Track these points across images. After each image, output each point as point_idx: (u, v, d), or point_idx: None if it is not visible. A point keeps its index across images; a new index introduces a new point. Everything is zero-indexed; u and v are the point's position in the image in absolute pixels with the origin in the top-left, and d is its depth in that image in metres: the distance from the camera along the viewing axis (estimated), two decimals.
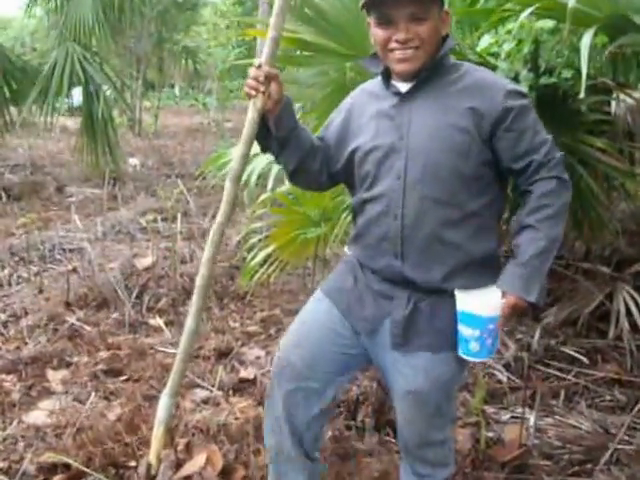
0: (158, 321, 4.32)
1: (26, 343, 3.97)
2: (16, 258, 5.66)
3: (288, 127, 2.03)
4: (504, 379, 3.58)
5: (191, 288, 4.68)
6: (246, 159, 2.05)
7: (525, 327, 4.11)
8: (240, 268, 4.92)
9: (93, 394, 3.34)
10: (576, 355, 3.81)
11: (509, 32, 3.18)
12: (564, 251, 4.71)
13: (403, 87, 1.98)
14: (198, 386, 3.49)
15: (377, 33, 1.94)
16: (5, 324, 4.28)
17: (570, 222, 3.82)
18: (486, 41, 3.31)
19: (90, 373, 3.55)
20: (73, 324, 4.17)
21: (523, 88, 2.13)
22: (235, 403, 3.29)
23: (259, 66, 1.93)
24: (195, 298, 2.09)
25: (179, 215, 6.00)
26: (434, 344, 1.98)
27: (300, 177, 2.19)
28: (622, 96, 3.53)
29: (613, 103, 3.53)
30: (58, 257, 5.69)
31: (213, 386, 3.45)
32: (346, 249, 2.25)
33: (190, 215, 6.90)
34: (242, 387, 3.51)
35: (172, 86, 25.09)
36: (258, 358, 3.84)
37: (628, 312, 3.77)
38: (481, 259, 1.98)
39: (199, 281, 2.08)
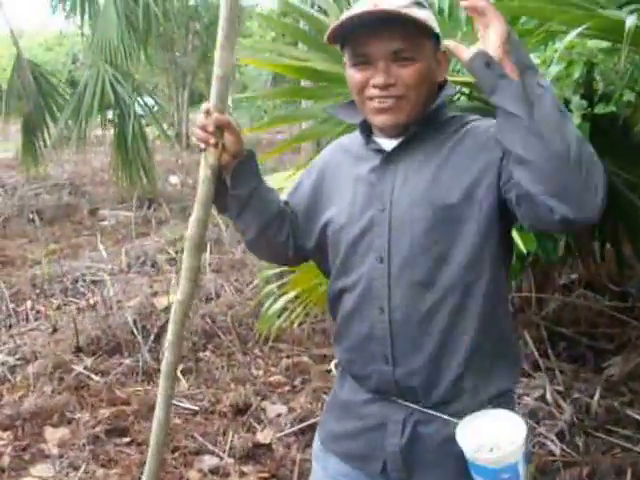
0: None
1: (31, 392, 3.69)
2: (37, 290, 5.41)
3: (248, 186, 1.64)
4: (557, 451, 3.08)
5: (213, 331, 4.40)
6: (205, 224, 1.67)
7: (583, 382, 3.66)
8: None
9: (90, 460, 3.03)
10: None
11: (556, 51, 2.79)
12: (629, 289, 4.32)
13: (387, 144, 1.57)
14: (207, 452, 3.15)
15: (351, 75, 1.53)
16: (13, 369, 4.03)
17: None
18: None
19: (91, 434, 3.23)
20: (80, 373, 3.87)
21: None
22: (247, 474, 2.96)
23: (207, 112, 1.56)
24: (161, 383, 1.75)
25: (209, 245, 5.72)
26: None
27: (261, 248, 1.80)
28: None
29: None
30: (81, 290, 5.42)
31: (224, 452, 3.12)
32: (333, 362, 1.82)
33: (223, 243, 6.56)
34: (256, 453, 3.17)
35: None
36: (279, 416, 3.49)
37: None
38: (493, 348, 1.55)
39: (164, 367, 1.75)
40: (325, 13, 3.15)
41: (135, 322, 4.39)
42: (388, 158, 1.56)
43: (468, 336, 1.52)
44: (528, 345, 3.87)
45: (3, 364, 4.06)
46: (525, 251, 2.48)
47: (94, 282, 5.53)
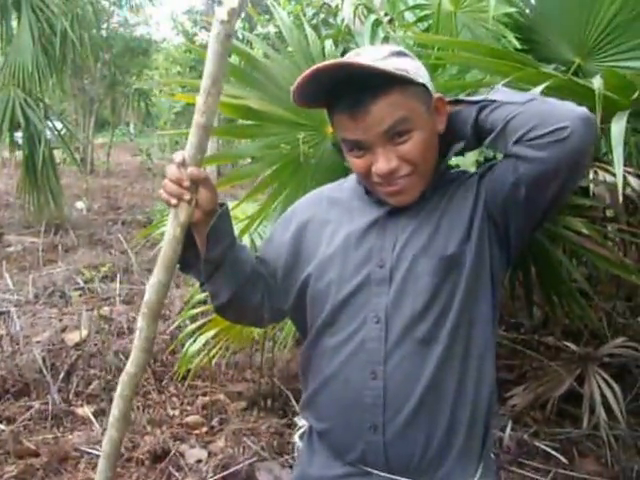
0: (86, 410, 3.59)
1: None
2: None
3: (223, 246, 1.37)
4: None
5: None
6: (166, 289, 1.36)
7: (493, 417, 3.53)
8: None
9: None
10: (551, 452, 3.23)
11: None
12: (524, 321, 4.27)
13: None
14: None
15: (352, 161, 1.33)
16: None
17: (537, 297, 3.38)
18: None
19: None
20: None
21: None
22: None
23: (182, 163, 1.28)
24: (101, 464, 1.45)
25: (118, 275, 5.31)
26: None
27: (234, 311, 1.52)
28: (602, 174, 3.03)
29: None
30: None
31: None
32: (298, 433, 1.57)
33: (132, 272, 6.13)
34: None
35: (127, 124, 24.36)
36: (199, 462, 3.16)
37: (602, 395, 3.22)
38: (486, 407, 1.38)
39: (105, 445, 1.44)
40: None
41: (44, 360, 3.96)
42: (392, 212, 1.35)
43: (468, 394, 1.34)
44: None
45: None
46: None
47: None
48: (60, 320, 4.78)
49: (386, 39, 2.87)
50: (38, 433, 3.34)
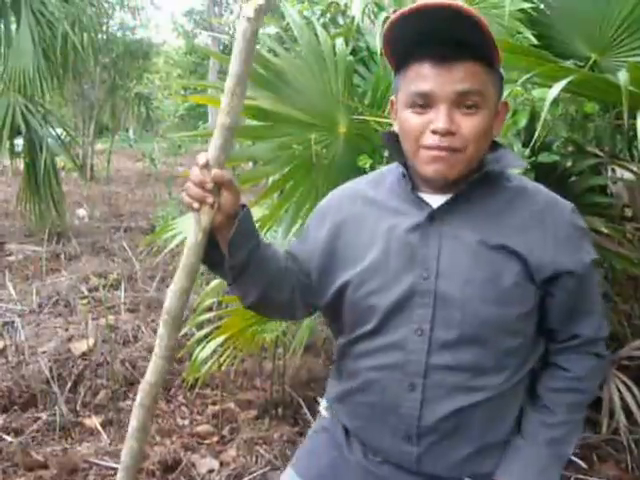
0: (94, 421, 3.58)
1: None
2: None
3: (247, 249, 1.35)
4: None
5: (134, 377, 4.01)
6: (188, 295, 1.36)
7: None
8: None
9: None
10: (571, 457, 3.19)
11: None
12: None
13: (433, 200, 1.34)
14: None
15: (407, 119, 1.29)
16: None
17: None
18: None
19: None
20: None
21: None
22: None
23: (205, 165, 1.26)
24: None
25: (123, 282, 5.30)
26: None
27: (264, 308, 1.52)
28: (620, 172, 3.03)
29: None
30: None
31: None
32: (322, 407, 1.59)
33: (136, 280, 6.12)
34: None
35: (127, 129, 24.41)
36: (211, 472, 3.15)
37: (621, 399, 3.17)
38: (511, 430, 1.40)
39: (125, 457, 1.45)
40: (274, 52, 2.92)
41: (51, 370, 3.95)
42: (434, 216, 1.32)
43: (514, 412, 1.40)
44: None
45: None
46: None
47: (2, 324, 5.01)
48: (66, 330, 4.76)
49: None
50: (46, 445, 3.32)
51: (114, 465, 3.15)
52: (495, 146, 1.40)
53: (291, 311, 1.52)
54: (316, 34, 2.90)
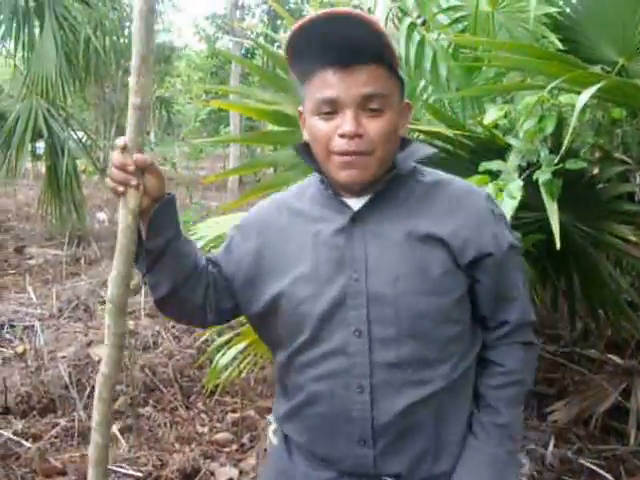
0: (113, 427, 3.60)
1: None
2: None
3: (166, 237, 1.37)
4: None
5: (154, 384, 4.02)
6: (129, 281, 1.37)
7: (533, 430, 3.48)
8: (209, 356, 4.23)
9: None
10: (597, 470, 3.15)
11: (527, 107, 2.62)
12: (563, 333, 4.22)
13: (353, 203, 1.38)
14: None
15: (315, 126, 1.33)
16: None
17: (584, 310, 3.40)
18: (493, 114, 2.74)
19: None
20: (8, 439, 3.39)
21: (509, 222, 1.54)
22: None
23: (124, 147, 1.30)
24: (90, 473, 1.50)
25: (142, 287, 5.32)
26: None
27: (173, 306, 1.51)
28: None
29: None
30: (7, 336, 4.94)
31: None
32: (271, 430, 1.57)
33: None
34: None
35: (148, 133, 24.56)
36: None
37: None
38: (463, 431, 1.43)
39: (92, 452, 1.48)
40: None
41: (70, 375, 3.98)
42: (356, 217, 1.35)
43: (466, 407, 1.43)
44: None
45: None
46: None
47: (24, 327, 5.06)
48: (85, 334, 4.81)
49: (422, 42, 2.86)
50: (65, 451, 3.35)
51: (133, 472, 3.17)
52: (406, 144, 1.44)
53: (202, 315, 1.51)
54: None
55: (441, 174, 1.46)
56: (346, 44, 1.23)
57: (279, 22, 16.38)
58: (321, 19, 1.24)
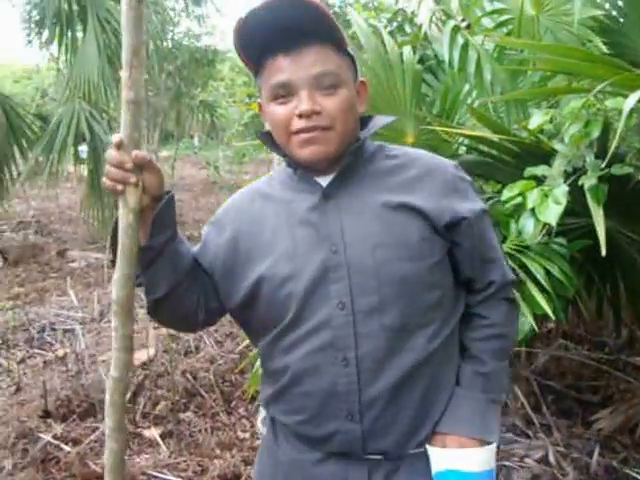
0: (154, 432, 3.64)
1: None
2: None
3: (166, 235, 1.38)
4: None
5: (195, 389, 4.06)
6: (133, 282, 1.34)
7: (578, 439, 3.44)
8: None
9: None
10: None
11: (572, 112, 2.59)
12: (608, 340, 4.17)
13: (322, 181, 1.41)
14: None
15: (273, 111, 1.36)
16: None
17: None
18: (538, 119, 2.72)
19: None
20: (48, 443, 3.45)
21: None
22: None
23: (120, 145, 1.27)
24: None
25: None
26: None
27: (169, 309, 1.48)
28: None
29: None
30: (48, 339, 5.02)
31: None
32: (259, 420, 1.60)
33: None
34: None
35: (191, 137, 24.80)
36: None
37: None
38: (455, 381, 1.47)
39: (107, 457, 1.48)
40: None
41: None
42: (327, 193, 1.38)
43: (445, 375, 1.43)
44: (518, 399, 3.64)
45: None
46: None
47: (65, 330, 5.15)
48: None
49: (465, 45, 2.85)
50: (104, 455, 3.37)
51: (173, 478, 3.20)
52: (367, 121, 1.48)
53: (195, 317, 1.51)
54: (383, 42, 2.90)
55: (408, 149, 1.51)
56: (291, 28, 1.28)
57: None
58: (262, 9, 1.28)
